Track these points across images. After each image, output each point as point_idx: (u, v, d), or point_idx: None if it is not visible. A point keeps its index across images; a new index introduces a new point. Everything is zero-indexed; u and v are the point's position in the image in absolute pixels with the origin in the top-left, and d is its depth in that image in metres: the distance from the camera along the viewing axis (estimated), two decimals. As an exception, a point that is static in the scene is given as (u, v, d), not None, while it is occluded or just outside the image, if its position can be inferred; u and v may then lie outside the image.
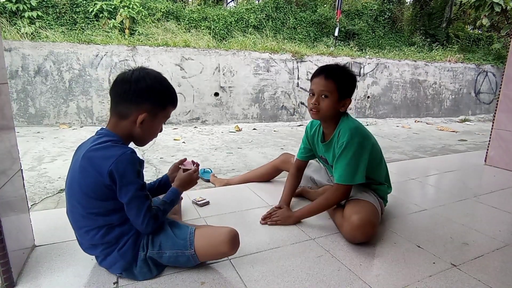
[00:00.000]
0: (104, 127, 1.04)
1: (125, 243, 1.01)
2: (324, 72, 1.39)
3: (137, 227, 1.02)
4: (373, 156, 1.44)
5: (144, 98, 0.99)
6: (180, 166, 1.25)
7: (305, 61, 6.00)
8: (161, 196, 1.15)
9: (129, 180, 0.94)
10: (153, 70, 1.04)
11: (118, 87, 0.99)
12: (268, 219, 1.50)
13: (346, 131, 1.37)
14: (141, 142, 1.07)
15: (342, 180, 1.37)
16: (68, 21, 5.76)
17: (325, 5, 8.47)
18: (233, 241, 1.07)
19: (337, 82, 1.36)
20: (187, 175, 1.18)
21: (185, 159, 1.29)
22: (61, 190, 2.23)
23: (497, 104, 2.67)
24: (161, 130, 1.09)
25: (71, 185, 0.99)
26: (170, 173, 1.29)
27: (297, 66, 5.95)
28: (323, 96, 1.37)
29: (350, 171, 1.35)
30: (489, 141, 2.72)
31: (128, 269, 1.04)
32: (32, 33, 5.02)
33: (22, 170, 1.19)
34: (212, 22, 6.72)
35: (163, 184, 1.28)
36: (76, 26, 5.70)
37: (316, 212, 1.49)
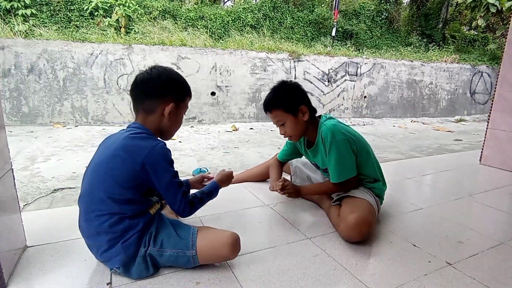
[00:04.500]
0: (134, 122, 1.10)
1: (130, 237, 1.01)
2: (266, 107, 1.45)
3: (175, 213, 1.09)
4: (359, 150, 1.45)
5: (168, 91, 1.07)
6: (206, 178, 1.42)
7: (302, 61, 6.00)
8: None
9: (163, 169, 1.00)
10: (166, 67, 1.12)
11: (140, 86, 1.07)
12: (283, 188, 1.51)
13: (327, 132, 1.39)
14: (168, 135, 1.14)
15: (339, 179, 1.42)
16: (62, 19, 5.70)
17: (322, 5, 8.48)
18: (235, 244, 1.09)
19: (279, 107, 1.41)
20: (228, 172, 1.37)
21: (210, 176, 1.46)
22: (55, 190, 2.20)
23: (492, 104, 2.68)
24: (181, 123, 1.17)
25: (97, 167, 1.02)
26: (192, 180, 1.40)
27: (294, 65, 5.95)
28: (281, 124, 1.44)
29: (343, 168, 1.40)
30: (484, 140, 2.73)
31: (126, 264, 1.03)
32: (25, 31, 4.96)
33: (13, 169, 1.17)
34: (209, 21, 6.70)
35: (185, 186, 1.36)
36: (71, 24, 5.65)
37: (319, 194, 1.62)
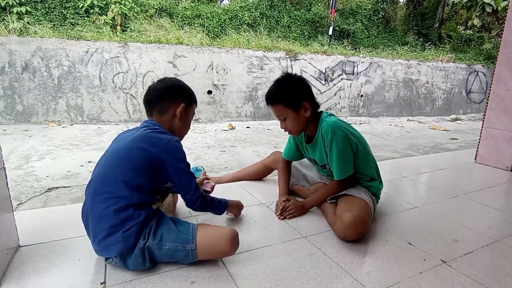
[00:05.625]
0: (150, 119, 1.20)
1: (131, 227, 1.02)
2: (267, 100, 1.43)
3: (187, 203, 1.15)
4: (360, 149, 1.45)
5: (179, 94, 1.21)
6: (205, 180, 1.52)
7: (299, 59, 6.00)
8: None
9: (178, 159, 1.09)
10: (176, 78, 1.30)
11: (153, 92, 1.19)
12: (285, 212, 1.50)
13: (327, 128, 1.39)
14: (180, 136, 1.22)
15: (342, 175, 1.42)
16: (57, 16, 5.65)
17: (319, 4, 8.48)
18: (234, 240, 1.10)
19: (282, 101, 1.38)
20: (239, 202, 1.47)
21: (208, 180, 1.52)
22: (49, 189, 2.18)
23: (487, 103, 2.70)
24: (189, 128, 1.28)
25: (116, 152, 1.09)
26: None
27: (291, 64, 5.95)
28: (283, 119, 1.42)
29: (345, 164, 1.40)
30: (479, 139, 2.75)
31: (124, 254, 1.03)
32: (20, 29, 4.90)
33: (5, 168, 1.15)
34: (205, 19, 6.67)
35: None
36: (66, 22, 5.60)
37: (323, 201, 1.54)
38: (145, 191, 1.06)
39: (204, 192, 1.48)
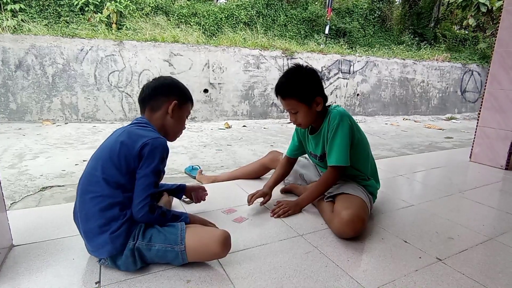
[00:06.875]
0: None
1: (118, 228, 1.01)
2: (279, 92, 1.39)
3: (133, 207, 1.04)
4: (362, 146, 1.46)
5: (172, 90, 1.19)
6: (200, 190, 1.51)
7: (295, 58, 6.00)
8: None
9: (152, 159, 1.03)
10: (170, 76, 1.27)
11: (147, 90, 1.18)
12: (277, 208, 1.50)
13: (336, 114, 1.39)
14: (172, 135, 1.21)
15: (339, 161, 1.39)
16: (51, 14, 5.58)
17: (316, 3, 8.49)
18: (226, 242, 1.07)
19: (295, 96, 1.36)
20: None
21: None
22: (43, 188, 2.16)
23: (482, 102, 2.72)
24: (184, 128, 1.25)
25: (102, 149, 1.08)
26: (189, 187, 1.49)
27: (288, 63, 5.94)
28: (294, 112, 1.40)
29: (344, 151, 1.38)
30: (474, 138, 2.77)
31: (114, 256, 1.03)
32: (14, 26, 4.83)
33: (-3, 166, 1.14)
34: (202, 18, 6.64)
35: (180, 189, 1.47)
36: (61, 20, 5.53)
37: (317, 196, 1.51)
38: (128, 190, 1.03)
39: (184, 200, 1.51)
